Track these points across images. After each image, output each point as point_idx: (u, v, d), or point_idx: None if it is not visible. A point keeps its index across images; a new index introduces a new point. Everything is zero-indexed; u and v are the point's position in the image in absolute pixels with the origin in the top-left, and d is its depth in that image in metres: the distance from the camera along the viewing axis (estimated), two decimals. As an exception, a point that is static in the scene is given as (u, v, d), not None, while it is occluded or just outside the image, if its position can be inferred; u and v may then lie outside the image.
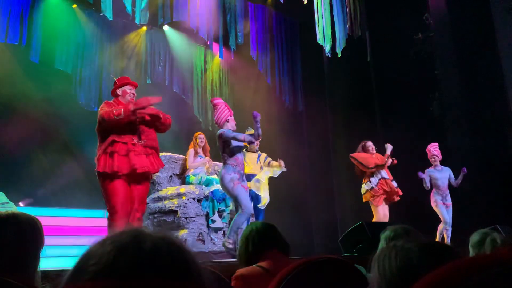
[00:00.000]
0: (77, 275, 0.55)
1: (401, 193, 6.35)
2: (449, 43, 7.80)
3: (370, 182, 6.27)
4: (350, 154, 6.50)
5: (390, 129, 8.30)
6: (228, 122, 4.97)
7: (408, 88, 8.41)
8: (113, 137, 4.00)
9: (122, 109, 3.95)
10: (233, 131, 4.96)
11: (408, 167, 6.81)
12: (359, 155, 6.44)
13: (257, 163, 6.05)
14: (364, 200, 6.42)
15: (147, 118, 4.12)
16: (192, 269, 0.57)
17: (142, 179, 4.09)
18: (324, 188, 9.33)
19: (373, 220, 6.20)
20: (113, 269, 0.53)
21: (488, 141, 7.19)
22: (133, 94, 4.34)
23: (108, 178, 3.94)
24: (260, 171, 6.27)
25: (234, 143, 4.88)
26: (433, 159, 6.70)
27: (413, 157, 7.05)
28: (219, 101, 5.20)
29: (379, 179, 6.27)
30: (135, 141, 4.03)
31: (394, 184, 6.34)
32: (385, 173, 6.32)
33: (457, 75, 7.62)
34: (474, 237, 2.61)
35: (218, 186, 5.89)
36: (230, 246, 4.64)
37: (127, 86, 4.36)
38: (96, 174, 4.03)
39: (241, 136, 4.93)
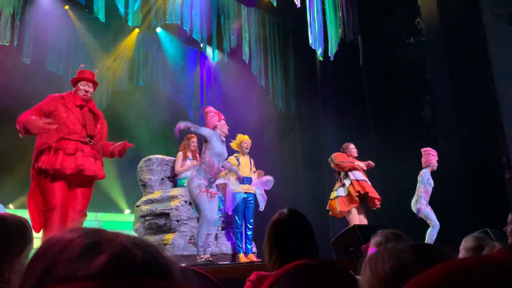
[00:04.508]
0: (49, 278, 0.52)
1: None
2: (440, 47, 7.85)
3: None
4: None
5: (382, 133, 8.34)
6: (216, 128, 4.86)
7: (400, 92, 8.46)
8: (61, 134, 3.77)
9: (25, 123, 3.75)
10: (224, 136, 4.85)
11: (399, 171, 6.82)
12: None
13: (250, 167, 5.93)
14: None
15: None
16: (172, 269, 0.57)
17: (86, 182, 3.86)
18: (316, 191, 9.34)
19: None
20: (101, 271, 0.51)
21: (479, 145, 7.23)
22: (85, 91, 3.98)
23: (49, 176, 3.71)
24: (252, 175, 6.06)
25: (215, 147, 4.70)
26: (436, 164, 6.34)
27: (404, 161, 7.07)
28: (210, 109, 5.12)
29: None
30: (87, 139, 3.82)
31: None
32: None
33: (449, 80, 7.67)
34: (469, 242, 2.59)
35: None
36: (202, 262, 4.48)
37: (82, 82, 4.02)
38: (36, 169, 3.80)
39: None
